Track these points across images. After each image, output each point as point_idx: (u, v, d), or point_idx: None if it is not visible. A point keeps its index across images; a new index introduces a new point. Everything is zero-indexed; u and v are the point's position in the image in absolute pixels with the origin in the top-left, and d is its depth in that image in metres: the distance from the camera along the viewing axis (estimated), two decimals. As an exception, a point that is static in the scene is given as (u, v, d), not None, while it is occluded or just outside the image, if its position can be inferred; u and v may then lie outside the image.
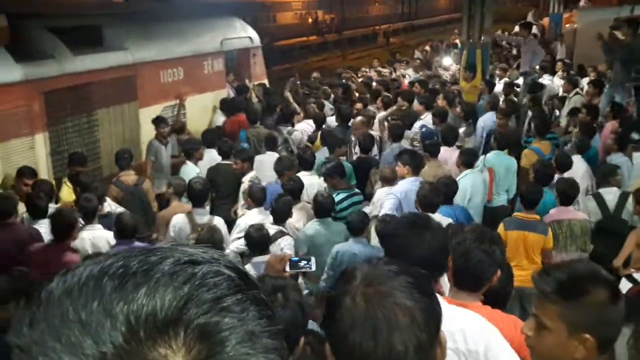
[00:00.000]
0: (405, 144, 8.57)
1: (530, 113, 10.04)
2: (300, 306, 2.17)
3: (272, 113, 10.49)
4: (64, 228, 5.31)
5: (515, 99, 11.64)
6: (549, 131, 8.85)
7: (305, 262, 3.33)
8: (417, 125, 9.35)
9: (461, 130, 9.41)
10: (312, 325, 3.20)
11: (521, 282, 4.73)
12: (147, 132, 9.60)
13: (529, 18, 21.43)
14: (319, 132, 9.00)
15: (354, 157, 8.52)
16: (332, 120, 9.99)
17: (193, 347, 0.64)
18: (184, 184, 6.60)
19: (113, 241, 5.67)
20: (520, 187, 6.52)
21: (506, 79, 13.64)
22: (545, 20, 22.63)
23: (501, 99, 11.19)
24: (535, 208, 5.98)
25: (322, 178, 7.08)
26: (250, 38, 12.58)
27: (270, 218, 5.85)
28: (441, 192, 5.88)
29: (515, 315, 3.25)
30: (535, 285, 2.12)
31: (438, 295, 1.62)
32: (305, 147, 8.85)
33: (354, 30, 34.08)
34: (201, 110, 10.97)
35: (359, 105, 10.78)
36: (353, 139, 9.08)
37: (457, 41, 18.64)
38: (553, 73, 14.26)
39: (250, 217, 6.14)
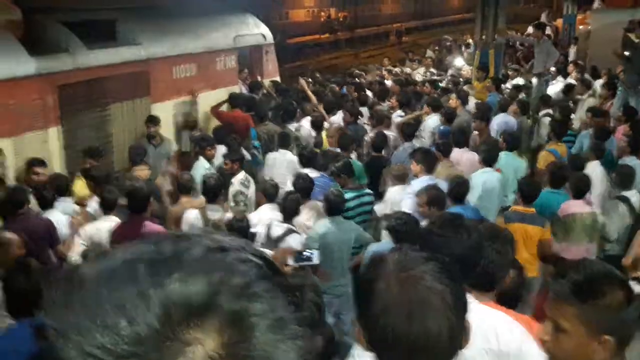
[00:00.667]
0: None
1: (541, 115, 10.01)
2: (317, 306, 2.16)
3: (285, 110, 10.42)
4: (140, 201, 5.57)
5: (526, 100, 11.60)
6: (567, 133, 8.81)
7: (309, 254, 3.34)
8: (423, 126, 9.36)
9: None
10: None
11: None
12: (160, 128, 9.63)
13: (543, 19, 21.34)
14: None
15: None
16: (337, 119, 9.97)
17: (224, 332, 0.65)
18: (192, 179, 6.65)
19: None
20: (520, 182, 6.52)
21: (518, 80, 13.58)
22: (559, 22, 22.52)
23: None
24: (532, 202, 6.17)
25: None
26: (263, 35, 12.58)
27: (280, 215, 5.85)
28: (450, 191, 5.92)
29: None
30: (551, 289, 2.11)
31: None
32: (310, 145, 8.80)
33: (366, 28, 34.02)
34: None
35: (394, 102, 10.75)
36: (366, 138, 9.09)
37: (470, 41, 18.58)
38: (566, 75, 14.18)
39: (261, 212, 6.15)
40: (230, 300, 0.67)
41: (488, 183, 7.04)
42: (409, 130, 8.44)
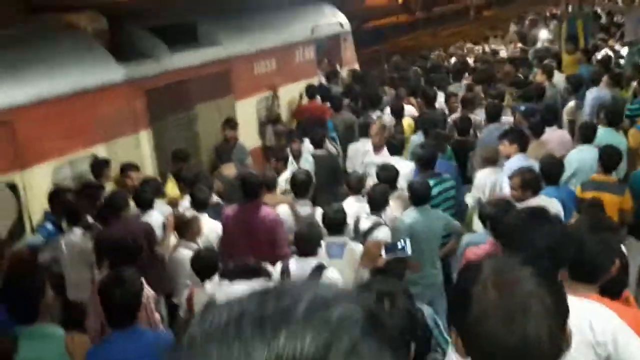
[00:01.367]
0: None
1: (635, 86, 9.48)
2: (409, 313, 2.13)
3: (366, 98, 10.35)
4: (254, 187, 5.87)
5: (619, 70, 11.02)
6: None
7: (402, 245, 3.32)
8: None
9: (571, 103, 9.03)
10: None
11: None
12: (244, 124, 9.81)
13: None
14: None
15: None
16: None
17: None
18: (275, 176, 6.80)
19: (220, 231, 5.94)
20: (600, 150, 6.25)
21: (607, 50, 12.91)
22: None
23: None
24: (612, 171, 6.09)
25: (411, 163, 6.98)
26: (341, 23, 12.55)
27: (367, 206, 5.83)
28: (543, 172, 5.72)
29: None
30: None
31: None
32: (398, 132, 8.73)
33: (444, 6, 33.26)
34: (294, 100, 11.06)
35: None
36: (449, 121, 8.92)
37: (556, 11, 17.84)
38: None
39: (347, 205, 6.14)
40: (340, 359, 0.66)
41: (584, 161, 6.73)
42: (493, 111, 8.20)
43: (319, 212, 5.87)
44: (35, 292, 3.82)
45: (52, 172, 6.92)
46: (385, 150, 7.51)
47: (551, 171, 5.90)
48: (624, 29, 13.11)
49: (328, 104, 10.33)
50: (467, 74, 11.84)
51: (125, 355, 3.40)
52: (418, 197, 5.63)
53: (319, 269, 4.58)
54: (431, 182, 6.36)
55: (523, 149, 6.44)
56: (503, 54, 14.93)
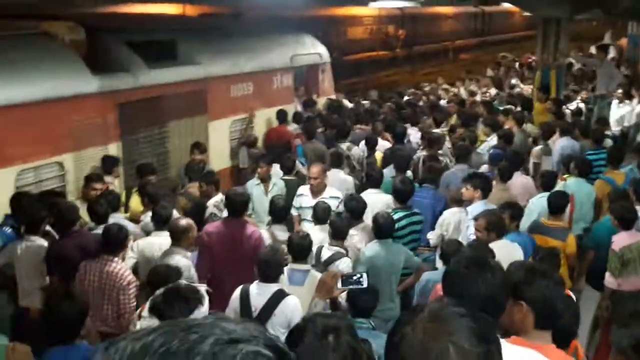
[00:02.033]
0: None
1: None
2: (352, 350, 2.12)
3: (338, 129, 10.45)
4: (239, 205, 5.90)
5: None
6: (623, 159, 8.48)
7: (358, 277, 3.32)
8: (483, 147, 9.19)
9: (538, 147, 9.20)
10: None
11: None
12: (216, 144, 9.80)
13: (606, 39, 20.78)
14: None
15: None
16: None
17: None
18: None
19: (165, 247, 5.75)
20: (549, 195, 6.58)
21: (579, 102, 13.24)
22: (624, 41, 21.83)
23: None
24: (561, 214, 6.47)
25: (389, 196, 7.05)
26: (320, 54, 12.68)
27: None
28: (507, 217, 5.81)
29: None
30: (612, 338, 2.06)
31: (503, 340, 1.68)
32: (372, 164, 8.81)
33: (424, 45, 33.83)
34: (269, 124, 11.10)
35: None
36: (415, 158, 8.99)
37: (531, 60, 18.25)
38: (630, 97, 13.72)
39: (312, 233, 6.13)
40: None
41: (545, 208, 6.84)
42: (461, 152, 8.32)
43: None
44: None
45: (15, 177, 6.82)
46: (327, 192, 7.23)
47: (512, 216, 5.99)
48: (596, 82, 13.46)
49: (299, 131, 10.42)
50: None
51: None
52: (381, 230, 5.66)
53: (279, 294, 4.55)
54: (400, 214, 6.47)
55: (485, 195, 6.52)
56: (477, 97, 15.18)
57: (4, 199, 6.42)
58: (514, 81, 16.54)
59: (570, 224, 7.25)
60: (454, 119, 11.71)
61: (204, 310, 3.45)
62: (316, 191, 7.18)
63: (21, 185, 6.85)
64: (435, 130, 10.62)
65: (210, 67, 9.75)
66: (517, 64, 20.44)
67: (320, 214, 6.29)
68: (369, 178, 7.56)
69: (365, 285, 3.32)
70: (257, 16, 13.14)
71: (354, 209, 6.29)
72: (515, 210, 6.13)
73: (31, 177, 7.09)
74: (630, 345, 1.96)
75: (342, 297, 4.30)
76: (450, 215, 6.70)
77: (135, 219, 6.85)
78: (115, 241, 5.40)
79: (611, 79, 12.33)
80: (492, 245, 5.40)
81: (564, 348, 3.13)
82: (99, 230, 6.07)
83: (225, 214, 6.91)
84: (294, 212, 7.26)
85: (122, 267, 5.38)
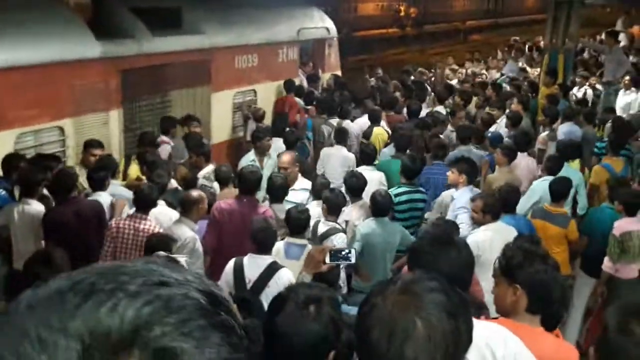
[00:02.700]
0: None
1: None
2: (332, 321, 2.12)
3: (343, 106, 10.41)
4: (251, 183, 5.82)
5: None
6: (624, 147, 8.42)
7: (347, 252, 3.30)
8: (492, 129, 9.16)
9: (544, 134, 9.15)
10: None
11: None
12: (218, 116, 9.76)
13: (618, 26, 20.49)
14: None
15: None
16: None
17: None
18: (230, 171, 6.77)
19: (175, 218, 5.78)
20: (551, 181, 6.47)
21: (587, 87, 13.11)
22: (636, 29, 21.57)
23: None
24: (562, 201, 6.40)
25: (381, 173, 7.05)
26: (327, 29, 12.56)
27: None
28: (501, 199, 5.79)
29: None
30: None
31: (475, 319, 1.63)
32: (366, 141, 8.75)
33: (435, 25, 33.55)
34: (272, 98, 11.04)
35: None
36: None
37: (541, 44, 18.04)
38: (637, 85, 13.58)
39: (310, 208, 6.11)
40: (157, 338, 0.64)
41: (547, 192, 6.82)
42: (463, 134, 8.27)
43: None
44: None
45: (14, 139, 6.81)
46: (298, 184, 6.79)
47: (509, 200, 5.96)
48: (604, 69, 13.32)
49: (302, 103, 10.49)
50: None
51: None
52: (378, 208, 5.65)
53: (273, 266, 4.55)
54: (401, 189, 6.52)
55: (471, 181, 6.48)
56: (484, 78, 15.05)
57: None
58: (521, 64, 16.36)
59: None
60: (473, 102, 11.60)
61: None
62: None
63: (20, 149, 6.84)
64: (438, 109, 10.56)
65: (214, 37, 9.66)
66: (526, 47, 20.18)
67: (319, 188, 6.27)
68: (362, 155, 7.54)
69: (353, 261, 3.30)
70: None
71: (354, 185, 6.26)
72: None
73: (31, 141, 7.08)
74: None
75: (342, 279, 4.30)
76: (446, 196, 6.68)
77: (132, 186, 6.84)
78: (147, 200, 5.57)
79: (619, 65, 12.19)
80: (487, 227, 5.43)
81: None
82: (96, 196, 6.10)
83: (215, 185, 6.92)
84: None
85: (154, 225, 5.49)
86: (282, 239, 5.14)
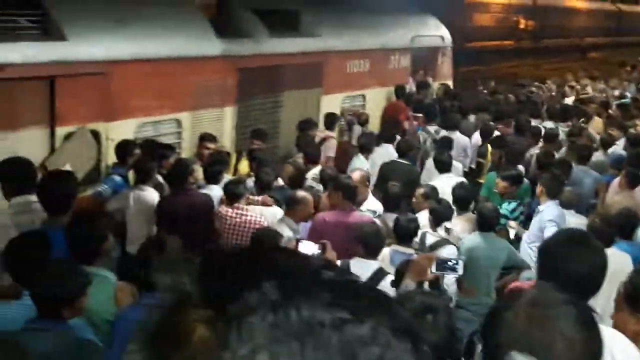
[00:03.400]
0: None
1: None
2: (449, 330, 2.08)
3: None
4: (351, 191, 5.68)
5: None
6: None
7: (454, 262, 3.22)
8: (612, 150, 8.80)
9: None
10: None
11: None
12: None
13: None
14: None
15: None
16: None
17: None
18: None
19: (280, 215, 5.86)
20: None
21: None
22: None
23: None
24: None
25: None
26: (442, 37, 12.41)
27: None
28: (618, 224, 5.49)
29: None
30: None
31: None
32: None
33: (552, 39, 32.36)
34: (381, 103, 11.02)
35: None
36: (528, 155, 8.66)
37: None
38: None
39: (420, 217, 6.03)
40: None
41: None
42: (582, 153, 7.92)
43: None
44: (98, 236, 3.99)
45: (134, 128, 7.14)
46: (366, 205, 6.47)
47: (626, 224, 5.63)
48: None
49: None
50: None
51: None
52: (484, 222, 5.51)
53: (380, 272, 4.50)
54: (513, 205, 6.59)
55: (553, 194, 6.28)
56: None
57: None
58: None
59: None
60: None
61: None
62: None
63: (140, 138, 7.16)
64: (551, 126, 10.19)
65: (329, 40, 9.76)
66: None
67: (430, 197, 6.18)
68: (437, 163, 7.42)
69: (460, 272, 3.24)
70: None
71: (462, 196, 6.15)
72: None
73: (150, 131, 7.40)
74: None
75: (447, 284, 4.22)
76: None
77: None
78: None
79: None
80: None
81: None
82: (208, 190, 6.30)
83: (321, 187, 6.95)
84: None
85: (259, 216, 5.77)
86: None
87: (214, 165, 6.54)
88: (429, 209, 5.65)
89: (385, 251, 5.00)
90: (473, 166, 9.03)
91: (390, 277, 4.45)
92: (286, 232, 5.38)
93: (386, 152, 8.13)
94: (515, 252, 5.72)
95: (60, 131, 6.28)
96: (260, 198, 6.24)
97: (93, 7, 6.90)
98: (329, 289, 0.68)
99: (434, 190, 6.26)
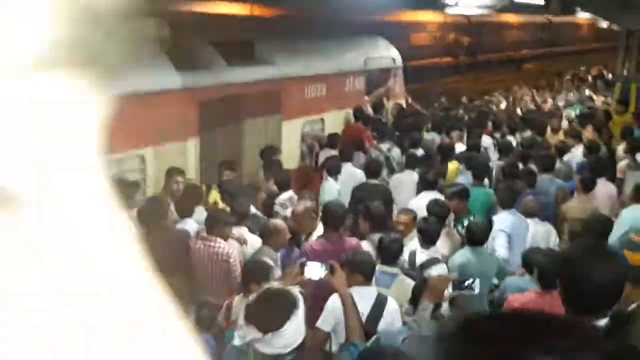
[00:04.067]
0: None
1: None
2: None
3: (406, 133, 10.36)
4: (338, 218, 5.53)
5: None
6: None
7: (470, 282, 3.21)
8: (566, 158, 8.97)
9: (623, 162, 8.93)
10: None
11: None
12: (288, 144, 9.80)
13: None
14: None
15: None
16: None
17: None
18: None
19: (257, 245, 5.77)
20: None
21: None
22: None
23: None
24: None
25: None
26: (393, 58, 12.59)
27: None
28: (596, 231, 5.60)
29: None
30: None
31: None
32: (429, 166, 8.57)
33: (488, 54, 33.33)
34: (339, 126, 11.05)
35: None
36: (491, 165, 8.79)
37: (604, 72, 17.78)
38: None
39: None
40: None
41: (636, 220, 6.57)
42: (548, 163, 8.10)
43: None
44: None
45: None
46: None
47: (598, 228, 5.75)
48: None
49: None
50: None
51: None
52: (474, 237, 5.52)
53: (382, 298, 4.39)
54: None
55: (509, 204, 6.52)
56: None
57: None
58: (587, 93, 16.09)
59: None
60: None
61: (299, 313, 3.24)
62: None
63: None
64: (509, 138, 10.44)
65: (285, 67, 9.76)
66: (589, 77, 19.88)
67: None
68: (422, 180, 7.41)
69: (477, 291, 3.23)
70: (330, 18, 13.12)
71: (438, 213, 6.15)
72: None
73: (114, 169, 7.17)
74: None
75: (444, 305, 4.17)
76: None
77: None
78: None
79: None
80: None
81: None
82: (183, 223, 6.14)
83: (288, 212, 6.83)
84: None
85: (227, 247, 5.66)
86: None
87: (187, 199, 6.40)
88: (417, 229, 5.63)
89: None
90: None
91: (391, 299, 4.39)
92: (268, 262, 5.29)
93: (348, 171, 8.12)
94: (503, 265, 5.76)
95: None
96: (236, 234, 6.10)
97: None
98: None
99: (412, 212, 6.26)
